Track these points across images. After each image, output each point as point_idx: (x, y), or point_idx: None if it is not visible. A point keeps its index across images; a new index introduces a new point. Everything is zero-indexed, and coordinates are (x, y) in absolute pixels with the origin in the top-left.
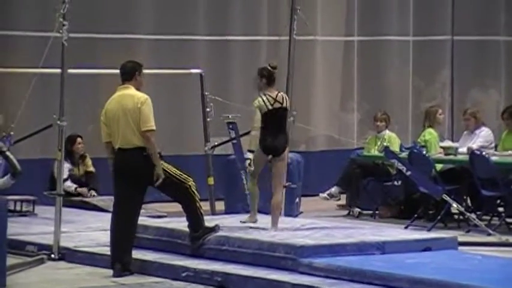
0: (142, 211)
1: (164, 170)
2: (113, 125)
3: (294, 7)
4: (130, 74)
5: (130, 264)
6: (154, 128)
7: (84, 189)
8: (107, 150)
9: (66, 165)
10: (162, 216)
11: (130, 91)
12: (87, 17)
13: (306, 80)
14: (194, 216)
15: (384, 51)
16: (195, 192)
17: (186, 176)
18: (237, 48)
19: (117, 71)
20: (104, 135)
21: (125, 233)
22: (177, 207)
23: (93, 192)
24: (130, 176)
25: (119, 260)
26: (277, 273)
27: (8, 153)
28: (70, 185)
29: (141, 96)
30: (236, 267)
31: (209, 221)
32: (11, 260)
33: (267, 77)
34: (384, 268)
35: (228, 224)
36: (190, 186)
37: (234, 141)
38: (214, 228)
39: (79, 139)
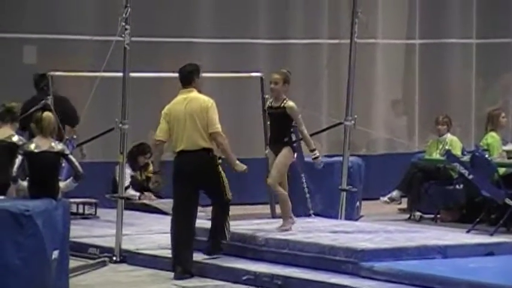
0: (202, 214)
1: (218, 175)
2: (177, 127)
3: (355, 10)
4: (188, 79)
5: (191, 267)
6: (220, 129)
7: (148, 194)
8: (157, 148)
9: (128, 171)
10: None
11: (194, 94)
12: (149, 21)
13: (366, 83)
14: (223, 228)
15: (446, 54)
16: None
17: (229, 190)
18: (298, 51)
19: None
20: (162, 133)
21: (185, 235)
22: (236, 210)
23: (153, 196)
24: (193, 178)
25: (180, 263)
26: (337, 277)
27: (70, 156)
28: (134, 194)
29: (207, 99)
30: (296, 271)
31: (269, 224)
32: (73, 263)
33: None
34: (445, 273)
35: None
36: (229, 200)
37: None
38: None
39: (149, 154)
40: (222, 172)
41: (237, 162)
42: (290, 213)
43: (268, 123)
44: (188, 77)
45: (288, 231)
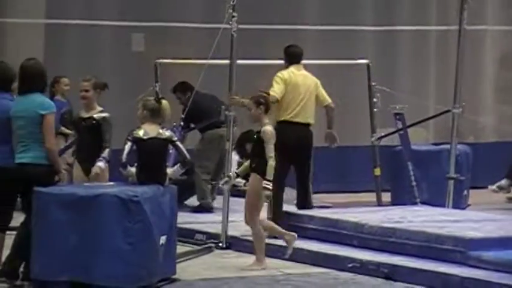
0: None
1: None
2: (296, 98)
3: None
4: (301, 57)
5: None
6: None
7: None
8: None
9: (236, 158)
10: (328, 207)
11: (305, 72)
12: (255, 8)
13: (475, 70)
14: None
15: None
16: None
17: None
18: (405, 38)
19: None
20: (280, 92)
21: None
22: (341, 198)
23: None
24: (299, 149)
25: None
26: (445, 266)
27: (178, 143)
28: (240, 180)
29: (314, 78)
30: (403, 259)
31: (375, 212)
32: (180, 248)
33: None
34: None
35: (394, 216)
36: None
37: (401, 132)
38: None
39: None
40: None
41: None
42: (263, 254)
43: None
44: (301, 56)
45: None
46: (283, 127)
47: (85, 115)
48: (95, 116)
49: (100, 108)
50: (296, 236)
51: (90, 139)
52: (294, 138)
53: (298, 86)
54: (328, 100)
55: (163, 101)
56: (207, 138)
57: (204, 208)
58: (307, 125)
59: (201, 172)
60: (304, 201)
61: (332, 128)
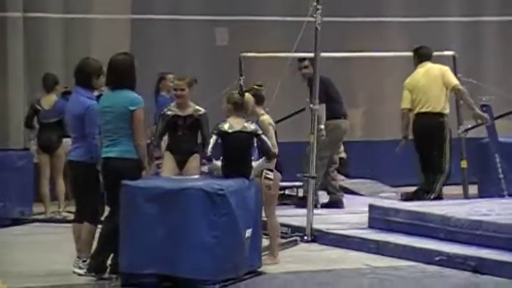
0: (393, 195)
1: None
2: (418, 92)
3: None
4: (428, 56)
5: None
6: None
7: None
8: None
9: None
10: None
11: (431, 65)
12: (339, 1)
13: None
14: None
15: None
16: None
17: None
18: (491, 29)
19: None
20: (408, 101)
21: None
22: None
23: (342, 177)
24: (423, 137)
25: None
26: None
27: (263, 136)
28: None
29: (442, 66)
30: (491, 252)
31: (462, 205)
32: (265, 241)
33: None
34: None
35: (481, 209)
36: None
37: (488, 124)
38: None
39: None
40: None
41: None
42: (276, 247)
43: None
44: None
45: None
46: (416, 119)
47: (181, 113)
48: (193, 113)
49: (194, 105)
50: (276, 262)
51: (187, 135)
52: (420, 127)
53: (418, 82)
54: (452, 83)
55: (247, 94)
56: (332, 128)
57: (335, 203)
58: (434, 113)
59: (321, 165)
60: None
61: (474, 109)
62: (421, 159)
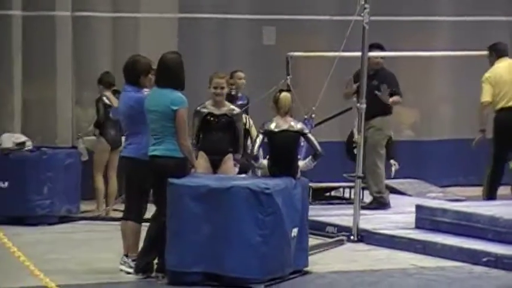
0: (440, 195)
1: None
2: (502, 87)
3: None
4: (506, 51)
5: None
6: None
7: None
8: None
9: None
10: (461, 200)
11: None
12: (387, 0)
13: None
14: None
15: None
16: None
17: None
18: None
19: (416, 53)
20: (489, 94)
21: None
22: (474, 192)
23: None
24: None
25: None
26: None
27: (309, 135)
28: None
29: None
30: None
31: (510, 206)
32: (312, 241)
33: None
34: None
35: None
36: None
37: None
38: None
39: None
40: None
41: None
42: None
43: None
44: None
45: None
46: (500, 114)
47: (216, 111)
48: (227, 113)
49: (229, 105)
50: None
51: (221, 134)
52: (504, 122)
53: (501, 77)
54: None
55: (283, 93)
56: (378, 125)
57: (380, 203)
58: None
59: (373, 165)
60: None
61: None
62: (499, 155)
